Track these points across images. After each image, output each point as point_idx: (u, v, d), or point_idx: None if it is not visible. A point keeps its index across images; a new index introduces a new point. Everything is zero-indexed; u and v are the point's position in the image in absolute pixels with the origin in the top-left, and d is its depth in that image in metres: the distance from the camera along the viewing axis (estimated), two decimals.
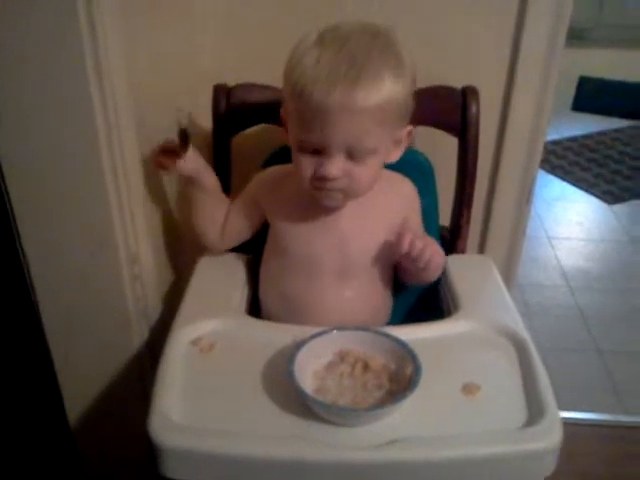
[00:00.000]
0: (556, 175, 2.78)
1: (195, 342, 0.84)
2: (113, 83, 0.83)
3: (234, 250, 1.04)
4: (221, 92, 1.06)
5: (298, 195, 0.91)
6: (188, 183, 0.98)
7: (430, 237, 0.93)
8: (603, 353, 1.81)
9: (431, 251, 0.87)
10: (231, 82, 1.07)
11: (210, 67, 1.15)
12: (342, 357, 0.80)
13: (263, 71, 1.08)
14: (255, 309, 1.01)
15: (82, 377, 1.02)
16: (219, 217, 1.00)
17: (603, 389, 1.69)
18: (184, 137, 0.94)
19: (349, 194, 0.87)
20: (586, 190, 2.69)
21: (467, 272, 1.01)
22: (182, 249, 1.05)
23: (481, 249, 1.31)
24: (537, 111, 1.19)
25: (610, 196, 2.64)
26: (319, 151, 0.82)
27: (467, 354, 0.83)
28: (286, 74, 0.82)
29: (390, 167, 0.93)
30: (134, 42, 0.88)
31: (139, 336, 1.00)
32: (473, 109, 1.05)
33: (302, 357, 0.76)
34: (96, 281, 0.94)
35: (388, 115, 0.81)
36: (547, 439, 0.69)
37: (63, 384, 1.02)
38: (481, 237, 1.30)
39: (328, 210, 0.91)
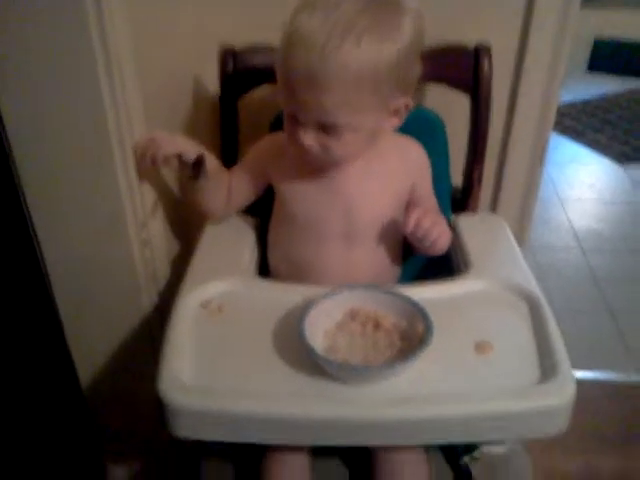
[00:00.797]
0: (569, 136, 2.73)
1: (204, 304, 0.83)
2: (119, 55, 0.81)
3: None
4: (228, 54, 1.04)
5: (302, 159, 0.90)
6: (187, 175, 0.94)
7: (439, 215, 0.91)
8: (614, 313, 1.80)
9: (438, 231, 0.86)
10: (237, 44, 1.05)
11: (216, 29, 1.12)
12: (353, 316, 0.79)
13: (269, 32, 1.07)
14: (264, 271, 1.00)
15: (92, 339, 1.03)
16: (223, 195, 0.98)
17: (614, 348, 1.69)
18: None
19: (329, 162, 0.86)
20: (599, 151, 2.65)
21: (478, 231, 1.00)
22: (190, 214, 1.03)
23: (493, 209, 1.30)
24: (551, 70, 1.17)
25: (623, 157, 2.60)
26: (297, 118, 0.81)
27: (479, 312, 0.82)
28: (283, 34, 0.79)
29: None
30: (140, 16, 0.87)
31: (148, 299, 1.00)
32: (485, 68, 1.02)
33: (313, 316, 0.75)
34: (106, 245, 0.93)
35: (370, 86, 0.77)
36: (560, 396, 0.68)
37: (73, 346, 1.03)
38: (493, 197, 1.29)
39: (333, 174, 0.90)
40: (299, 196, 0.93)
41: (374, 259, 0.95)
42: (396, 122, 0.86)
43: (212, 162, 0.94)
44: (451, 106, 1.07)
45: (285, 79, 0.78)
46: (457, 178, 1.10)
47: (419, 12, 0.80)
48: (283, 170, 0.94)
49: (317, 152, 0.83)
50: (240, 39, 1.05)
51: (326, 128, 0.80)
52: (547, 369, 0.72)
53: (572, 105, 2.96)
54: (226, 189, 0.98)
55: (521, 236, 1.31)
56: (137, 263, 0.95)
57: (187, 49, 1.09)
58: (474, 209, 1.11)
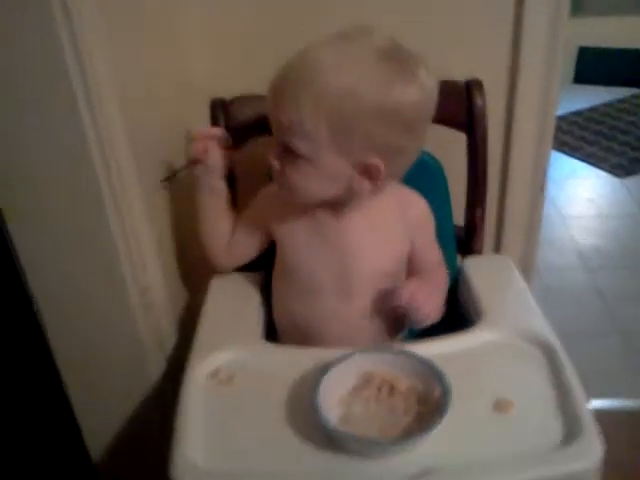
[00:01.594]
0: (564, 152, 2.73)
1: (213, 375, 0.81)
2: (106, 111, 0.80)
3: (245, 268, 1.01)
4: (218, 107, 1.03)
5: (301, 212, 0.89)
6: (199, 188, 0.95)
7: (434, 288, 0.89)
8: (625, 334, 1.78)
9: (431, 306, 0.85)
10: (226, 93, 1.04)
11: (204, 80, 1.12)
12: (367, 380, 0.77)
13: (257, 80, 1.06)
14: (271, 327, 0.98)
15: (101, 412, 1.00)
16: (226, 229, 0.97)
17: (628, 372, 1.66)
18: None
19: (286, 193, 0.85)
20: (595, 165, 2.64)
21: (487, 275, 0.98)
22: (193, 270, 1.02)
23: (496, 247, 1.28)
24: (544, 97, 1.16)
25: (620, 169, 2.59)
26: None
27: (496, 366, 0.80)
28: None
29: None
30: (124, 64, 0.85)
31: (157, 367, 0.98)
32: (479, 103, 1.02)
33: (326, 385, 0.73)
34: (107, 314, 0.91)
35: (329, 120, 0.75)
36: (586, 459, 0.66)
37: (82, 420, 1.00)
38: (496, 235, 1.27)
39: (330, 228, 0.89)
40: (296, 249, 0.92)
41: (373, 313, 0.92)
42: (367, 186, 0.81)
43: (224, 184, 0.96)
44: (448, 146, 1.06)
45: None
46: (459, 218, 1.08)
47: (428, 88, 0.78)
48: (283, 221, 0.92)
49: (277, 173, 0.83)
50: (230, 90, 1.04)
51: (288, 151, 0.80)
52: (571, 428, 0.69)
53: (563, 118, 2.96)
54: (229, 228, 0.97)
55: (528, 272, 1.30)
56: (141, 330, 0.93)
57: (177, 103, 1.08)
58: (479, 250, 1.09)
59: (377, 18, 1.06)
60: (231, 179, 1.06)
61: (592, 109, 3.10)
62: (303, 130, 0.76)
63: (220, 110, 1.03)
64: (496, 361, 0.81)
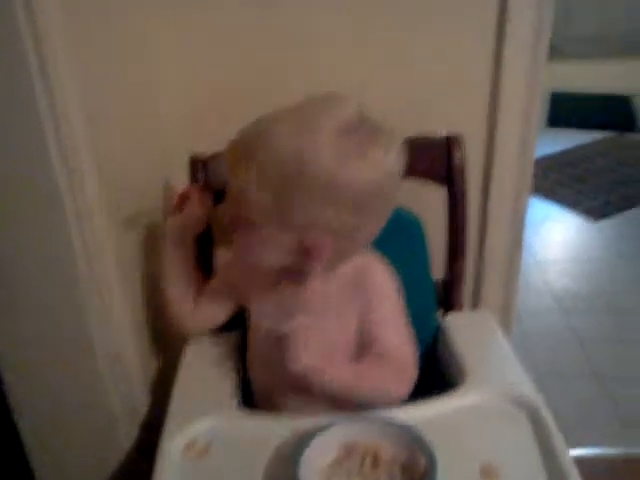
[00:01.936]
0: (537, 196, 2.76)
1: (189, 446, 0.78)
2: (81, 168, 0.78)
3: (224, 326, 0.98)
4: (197, 164, 1.01)
5: (267, 275, 0.86)
6: (168, 240, 0.92)
7: (371, 373, 0.80)
8: (601, 377, 1.77)
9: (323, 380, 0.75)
10: (204, 148, 1.03)
11: (181, 137, 1.10)
12: (349, 451, 0.74)
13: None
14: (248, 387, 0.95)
15: None
16: (189, 289, 0.94)
17: (605, 416, 1.64)
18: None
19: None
20: (569, 208, 2.67)
21: (468, 332, 0.97)
22: (167, 334, 0.98)
23: (475, 298, 1.27)
24: (522, 145, 1.17)
25: (593, 212, 2.62)
26: None
27: (481, 430, 0.78)
28: None
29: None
30: (99, 119, 0.84)
31: (129, 437, 0.93)
32: (458, 157, 1.01)
33: (307, 459, 0.70)
34: (75, 383, 0.87)
35: (275, 198, 0.73)
36: None
37: None
38: (475, 285, 1.26)
39: (290, 296, 0.84)
40: (258, 313, 0.90)
41: None
42: (314, 263, 0.77)
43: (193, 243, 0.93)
44: (427, 200, 1.05)
45: None
46: (437, 272, 1.07)
47: (384, 167, 0.74)
48: (248, 287, 0.90)
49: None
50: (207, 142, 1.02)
51: (237, 217, 0.78)
52: None
53: (536, 162, 2.99)
54: (192, 289, 0.94)
55: (507, 321, 1.29)
56: (112, 399, 0.89)
57: (155, 162, 1.07)
58: (460, 303, 1.07)
59: (357, 74, 1.09)
60: (208, 240, 1.04)
61: (566, 152, 3.15)
62: (248, 198, 0.75)
63: (199, 167, 1.01)
64: (481, 425, 0.78)
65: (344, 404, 0.82)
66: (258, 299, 0.90)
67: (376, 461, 0.72)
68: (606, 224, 2.55)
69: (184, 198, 0.94)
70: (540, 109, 1.17)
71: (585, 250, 2.41)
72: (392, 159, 0.74)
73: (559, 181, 2.86)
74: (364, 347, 0.84)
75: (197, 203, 0.93)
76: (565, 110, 3.43)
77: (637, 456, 1.53)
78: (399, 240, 0.94)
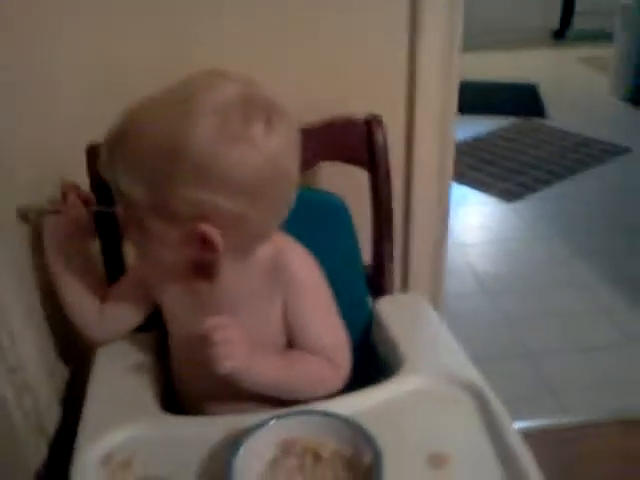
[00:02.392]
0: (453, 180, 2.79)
1: (106, 460, 0.70)
2: None
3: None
4: (95, 153, 0.91)
5: (174, 274, 0.80)
6: (48, 245, 0.84)
7: (282, 363, 0.76)
8: (532, 355, 1.79)
9: (225, 352, 0.69)
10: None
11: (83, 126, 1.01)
12: (287, 449, 0.68)
13: None
14: (170, 392, 0.87)
15: None
16: (89, 295, 0.86)
17: (539, 392, 1.66)
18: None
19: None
20: (484, 191, 2.71)
21: (402, 316, 0.92)
22: (76, 338, 0.89)
23: (404, 282, 1.24)
24: (442, 126, 1.14)
25: (508, 194, 2.67)
26: None
27: (424, 417, 0.74)
28: None
29: (301, 212, 0.77)
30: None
31: (36, 455, 0.83)
32: (380, 139, 0.97)
33: (241, 463, 0.64)
34: None
35: (148, 190, 0.66)
36: None
37: None
38: (402, 270, 1.23)
39: (203, 291, 0.78)
40: (172, 315, 0.84)
41: None
42: (209, 254, 0.70)
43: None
44: (349, 183, 1.00)
45: None
46: (364, 258, 1.02)
47: (267, 148, 0.66)
48: (158, 285, 0.83)
49: None
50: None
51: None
52: (513, 475, 0.64)
53: None
54: (92, 294, 0.86)
55: (437, 305, 1.26)
56: (14, 415, 0.79)
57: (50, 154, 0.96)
58: (389, 288, 1.03)
59: (268, 52, 1.02)
60: (115, 236, 0.95)
61: (475, 138, 3.20)
62: (120, 193, 0.68)
63: (97, 157, 0.91)
64: (424, 411, 0.74)
65: (276, 403, 0.77)
66: (171, 298, 0.82)
67: (317, 458, 0.67)
68: (520, 205, 2.60)
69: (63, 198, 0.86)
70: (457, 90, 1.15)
71: (502, 231, 2.45)
72: (278, 140, 0.67)
73: (472, 165, 2.89)
74: (293, 338, 0.79)
75: (73, 203, 0.85)
76: (473, 98, 3.49)
77: (575, 424, 1.55)
78: (325, 225, 0.89)
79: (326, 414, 0.70)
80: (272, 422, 0.69)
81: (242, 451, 0.65)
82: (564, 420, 1.57)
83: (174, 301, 0.82)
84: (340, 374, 0.79)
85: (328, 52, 1.05)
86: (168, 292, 0.82)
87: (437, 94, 1.09)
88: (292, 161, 0.70)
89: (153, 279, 0.83)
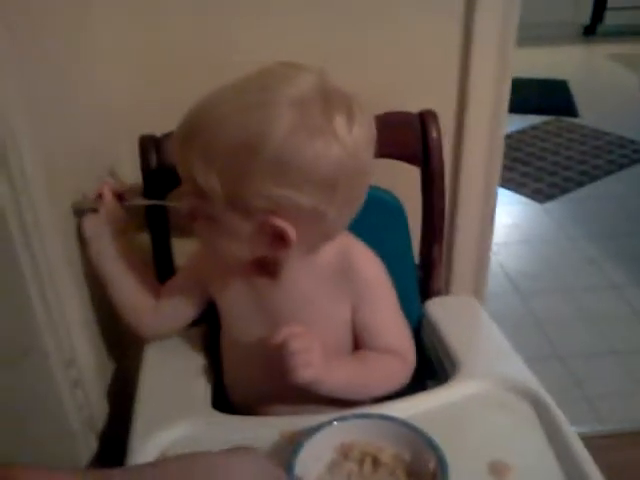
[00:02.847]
0: None
1: (160, 458, 0.69)
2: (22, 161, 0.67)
3: None
4: (149, 144, 0.91)
5: (236, 271, 0.78)
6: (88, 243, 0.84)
7: (353, 367, 0.76)
8: (563, 358, 1.76)
9: (304, 360, 0.68)
10: (157, 131, 0.93)
11: (130, 114, 1.00)
12: (345, 453, 0.67)
13: None
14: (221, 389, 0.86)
15: None
16: (138, 291, 0.85)
17: (570, 397, 1.62)
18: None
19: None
20: (515, 190, 2.67)
21: (455, 318, 0.91)
22: (125, 334, 0.88)
23: (447, 282, 1.22)
24: (492, 126, 1.12)
25: (540, 195, 2.63)
26: None
27: (483, 423, 0.72)
28: None
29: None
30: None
31: (87, 450, 0.83)
32: (434, 135, 0.95)
33: (300, 466, 0.63)
34: (27, 393, 0.76)
35: (224, 184, 0.65)
36: None
37: None
38: (446, 270, 1.21)
39: (266, 290, 0.77)
40: (233, 310, 0.82)
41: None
42: (281, 250, 0.69)
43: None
44: (399, 180, 0.98)
45: None
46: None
47: (348, 142, 0.64)
48: (218, 283, 0.82)
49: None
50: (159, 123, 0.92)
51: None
52: None
53: None
54: (143, 290, 0.85)
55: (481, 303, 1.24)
56: (68, 409, 0.79)
57: (98, 131, 0.96)
58: (438, 289, 1.02)
59: (317, 47, 1.01)
60: (165, 228, 0.94)
61: (508, 136, 3.15)
62: (196, 186, 0.66)
63: (151, 148, 0.91)
64: (482, 417, 0.73)
65: (336, 404, 0.76)
66: (230, 295, 0.81)
67: (376, 463, 0.66)
68: (552, 206, 2.56)
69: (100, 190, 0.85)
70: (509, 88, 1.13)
71: (534, 232, 2.42)
72: (359, 133, 0.65)
73: (504, 165, 2.85)
74: (362, 338, 0.78)
75: (110, 201, 0.84)
76: None
77: (609, 432, 1.52)
78: (381, 224, 0.87)
79: (386, 417, 0.69)
80: (332, 425, 0.68)
81: (301, 455, 0.64)
82: (599, 428, 1.54)
83: (234, 298, 0.80)
84: (409, 368, 0.79)
85: (379, 48, 1.04)
86: (228, 289, 0.80)
87: (490, 92, 1.06)
88: (370, 155, 0.69)
89: (215, 275, 0.81)
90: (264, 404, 0.81)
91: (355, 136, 0.65)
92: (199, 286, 0.84)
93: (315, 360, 0.69)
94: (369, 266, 0.78)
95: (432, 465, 0.63)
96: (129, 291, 0.84)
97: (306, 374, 0.68)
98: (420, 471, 0.64)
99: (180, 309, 0.85)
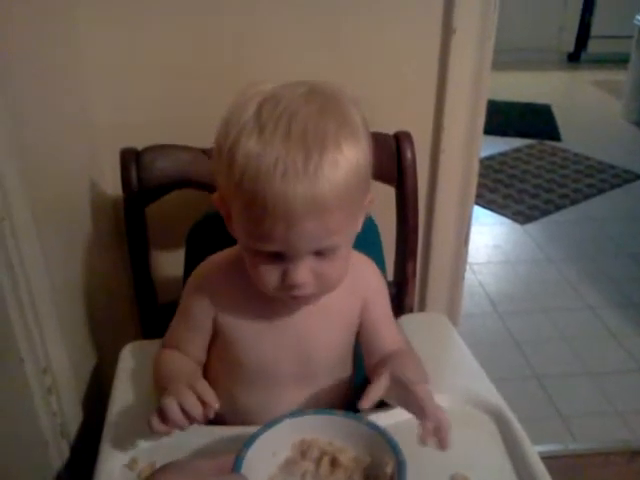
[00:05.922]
0: None
1: (130, 465, 0.70)
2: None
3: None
4: (129, 157, 0.93)
5: (245, 293, 0.76)
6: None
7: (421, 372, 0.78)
8: (540, 378, 1.79)
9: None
10: (138, 144, 0.95)
11: (111, 128, 1.02)
12: (303, 451, 0.66)
13: (172, 130, 0.98)
14: None
15: None
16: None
17: (547, 416, 1.66)
18: None
19: (322, 292, 0.73)
20: (497, 212, 2.71)
21: (425, 335, 0.93)
22: (102, 345, 0.90)
23: (421, 300, 1.24)
24: (467, 147, 1.15)
25: (521, 216, 2.67)
26: (281, 254, 0.67)
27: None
28: (222, 150, 0.66)
29: None
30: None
31: (59, 456, 0.84)
32: (408, 155, 0.98)
33: (251, 459, 0.61)
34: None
35: (354, 192, 0.66)
36: None
37: None
38: (420, 288, 1.23)
39: (280, 309, 0.77)
40: (243, 337, 0.78)
41: (329, 394, 0.82)
42: (359, 225, 0.74)
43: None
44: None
45: (267, 221, 0.64)
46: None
47: (357, 100, 0.70)
48: (223, 306, 0.79)
49: (311, 287, 0.70)
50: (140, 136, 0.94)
51: (322, 252, 0.68)
52: None
53: None
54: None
55: (454, 325, 1.26)
56: (41, 418, 0.80)
57: (79, 143, 0.97)
58: (410, 306, 1.04)
59: (303, 69, 1.03)
60: (143, 237, 0.96)
61: (490, 158, 3.21)
62: (347, 217, 0.67)
63: (131, 161, 0.93)
64: None
65: None
66: (244, 321, 0.78)
67: (335, 464, 0.65)
68: (533, 227, 2.60)
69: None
70: (484, 110, 1.16)
71: (515, 253, 2.45)
72: (364, 150, 0.67)
73: (485, 185, 2.90)
74: (370, 344, 0.81)
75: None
76: (488, 118, 3.49)
77: (583, 451, 1.54)
78: (356, 241, 0.89)
79: (349, 416, 0.69)
80: (288, 420, 0.67)
81: (253, 448, 0.62)
82: (572, 446, 1.57)
83: (246, 322, 0.78)
84: None
85: (357, 69, 1.07)
86: (239, 317, 0.78)
87: (466, 114, 1.10)
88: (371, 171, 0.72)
89: (226, 302, 0.79)
90: (244, 416, 0.80)
91: (362, 153, 0.68)
92: (207, 315, 0.80)
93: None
94: (374, 274, 0.84)
95: (389, 469, 0.63)
96: None
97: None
98: (378, 475, 0.64)
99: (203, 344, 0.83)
